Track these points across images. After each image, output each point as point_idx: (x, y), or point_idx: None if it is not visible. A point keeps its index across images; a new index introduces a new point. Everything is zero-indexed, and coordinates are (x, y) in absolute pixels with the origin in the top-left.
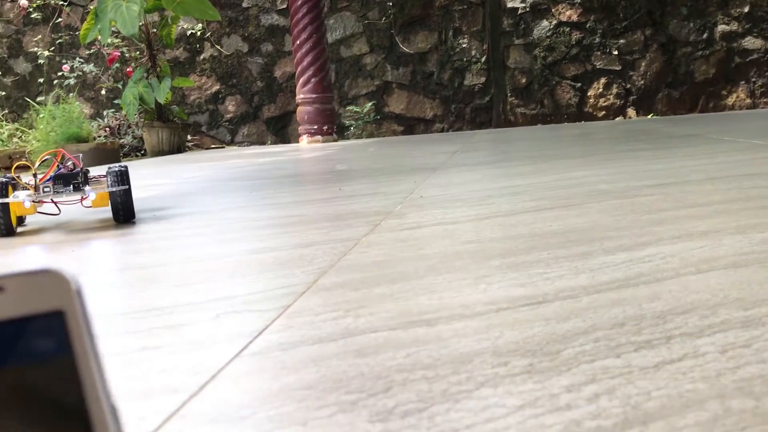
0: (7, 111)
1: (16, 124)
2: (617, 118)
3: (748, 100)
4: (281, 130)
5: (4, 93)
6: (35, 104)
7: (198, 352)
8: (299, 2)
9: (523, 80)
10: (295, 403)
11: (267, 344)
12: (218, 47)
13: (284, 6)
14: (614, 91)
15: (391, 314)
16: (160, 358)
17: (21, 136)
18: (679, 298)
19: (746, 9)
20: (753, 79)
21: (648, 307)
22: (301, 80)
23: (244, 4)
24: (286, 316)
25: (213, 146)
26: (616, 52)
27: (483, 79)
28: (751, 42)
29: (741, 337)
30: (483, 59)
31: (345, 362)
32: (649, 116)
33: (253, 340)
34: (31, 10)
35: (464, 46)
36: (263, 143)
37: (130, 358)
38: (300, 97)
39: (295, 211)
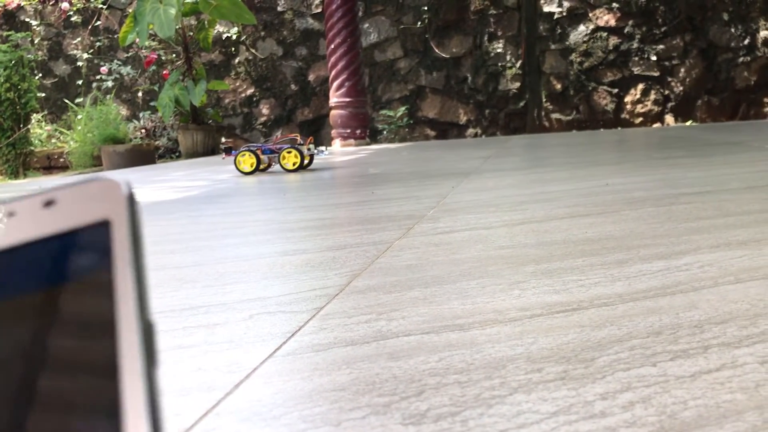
0: (46, 112)
1: (54, 125)
2: (655, 125)
3: None
4: (314, 134)
5: (43, 95)
6: (74, 106)
7: (232, 351)
8: (334, 6)
9: (559, 86)
10: (327, 404)
11: (300, 345)
12: (253, 51)
13: (319, 10)
14: (652, 97)
15: (424, 318)
16: (195, 357)
17: (59, 137)
18: (717, 308)
19: None
20: None
21: (685, 316)
22: (335, 84)
23: (280, 8)
24: (319, 318)
25: None
26: (654, 58)
27: (518, 85)
28: None
29: None
30: (518, 64)
31: (377, 365)
32: (688, 123)
33: (286, 341)
34: (71, 13)
35: (499, 50)
36: None
37: (163, 356)
38: (333, 100)
39: (327, 214)
